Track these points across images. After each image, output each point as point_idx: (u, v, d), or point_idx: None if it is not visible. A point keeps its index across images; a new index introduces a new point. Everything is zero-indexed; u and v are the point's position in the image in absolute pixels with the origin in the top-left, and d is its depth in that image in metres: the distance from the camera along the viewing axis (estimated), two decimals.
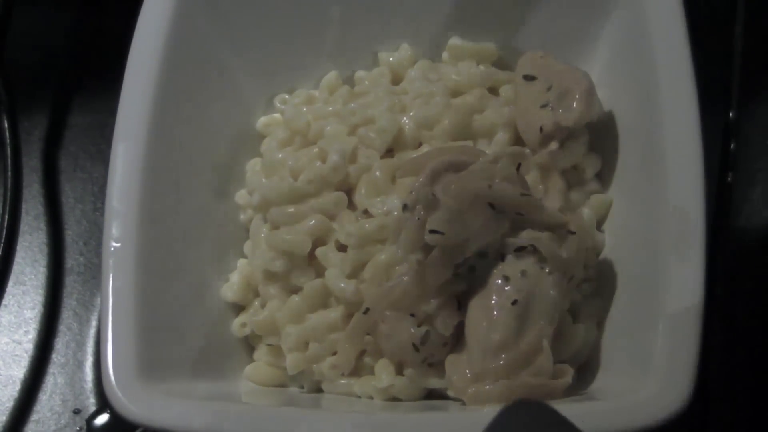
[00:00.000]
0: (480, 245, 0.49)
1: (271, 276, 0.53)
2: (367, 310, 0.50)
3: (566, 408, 0.45)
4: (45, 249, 0.63)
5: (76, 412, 0.58)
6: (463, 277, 0.49)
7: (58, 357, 0.60)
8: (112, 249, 0.47)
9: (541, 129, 0.53)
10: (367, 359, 0.52)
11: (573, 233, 0.51)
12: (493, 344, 0.48)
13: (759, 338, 0.59)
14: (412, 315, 0.49)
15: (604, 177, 0.55)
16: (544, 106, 0.53)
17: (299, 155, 0.55)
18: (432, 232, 0.48)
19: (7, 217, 0.60)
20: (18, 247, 0.61)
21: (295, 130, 0.57)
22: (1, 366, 0.60)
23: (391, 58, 0.59)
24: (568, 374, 0.48)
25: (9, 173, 0.61)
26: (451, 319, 0.50)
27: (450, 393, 0.50)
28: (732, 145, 0.63)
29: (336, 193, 0.53)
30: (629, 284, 0.51)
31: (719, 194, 0.61)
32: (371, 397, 0.52)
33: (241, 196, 0.57)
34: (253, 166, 0.58)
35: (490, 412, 0.46)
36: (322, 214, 0.53)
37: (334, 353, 0.52)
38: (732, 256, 0.60)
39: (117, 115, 0.50)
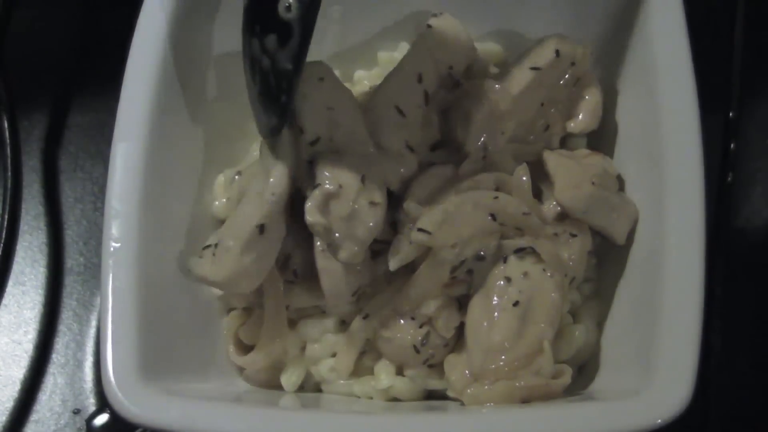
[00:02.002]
0: (474, 250, 0.49)
1: None
2: (366, 315, 0.50)
3: (566, 408, 0.46)
4: (45, 249, 0.63)
5: (76, 412, 0.58)
6: (462, 280, 0.49)
7: (58, 357, 0.60)
8: (112, 249, 0.47)
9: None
10: (367, 360, 0.52)
11: (575, 236, 0.51)
12: (494, 345, 0.48)
13: (759, 338, 0.59)
14: (413, 318, 0.49)
15: None
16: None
17: None
18: (420, 230, 0.48)
19: (7, 217, 0.60)
20: (18, 247, 0.60)
21: None
22: (1, 366, 0.60)
23: (390, 58, 0.59)
24: (568, 374, 0.48)
25: (9, 173, 0.61)
26: (452, 320, 0.50)
27: (450, 393, 0.50)
28: (732, 145, 0.63)
29: None
30: (629, 284, 0.51)
31: (719, 194, 0.61)
32: (371, 398, 0.52)
33: None
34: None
35: (489, 412, 0.47)
36: None
37: (334, 354, 0.52)
38: (732, 256, 0.60)
39: (117, 115, 0.50)
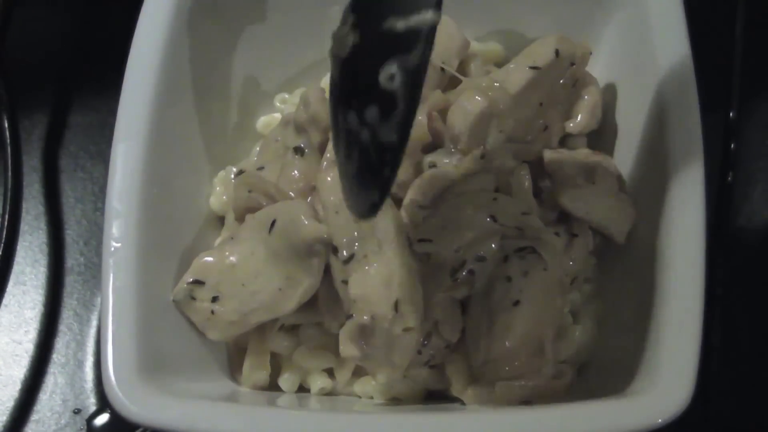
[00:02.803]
0: (476, 252, 0.49)
1: None
2: None
3: (566, 408, 0.46)
4: (45, 249, 0.63)
5: (76, 412, 0.58)
6: (464, 282, 0.49)
7: (58, 357, 0.60)
8: (112, 249, 0.47)
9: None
10: None
11: (576, 236, 0.51)
12: (494, 345, 0.48)
13: (759, 338, 0.59)
14: None
15: None
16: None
17: None
18: (421, 241, 0.48)
19: (7, 217, 0.60)
20: (18, 247, 0.60)
21: None
22: (1, 366, 0.60)
23: None
24: (568, 374, 0.48)
25: (9, 173, 0.61)
26: (456, 324, 0.49)
27: (450, 393, 0.50)
28: (732, 145, 0.63)
29: None
30: (629, 284, 0.51)
31: (719, 194, 0.61)
32: (371, 398, 0.52)
33: None
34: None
35: (489, 412, 0.47)
36: None
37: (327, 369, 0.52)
38: (732, 256, 0.60)
39: (117, 114, 0.50)
